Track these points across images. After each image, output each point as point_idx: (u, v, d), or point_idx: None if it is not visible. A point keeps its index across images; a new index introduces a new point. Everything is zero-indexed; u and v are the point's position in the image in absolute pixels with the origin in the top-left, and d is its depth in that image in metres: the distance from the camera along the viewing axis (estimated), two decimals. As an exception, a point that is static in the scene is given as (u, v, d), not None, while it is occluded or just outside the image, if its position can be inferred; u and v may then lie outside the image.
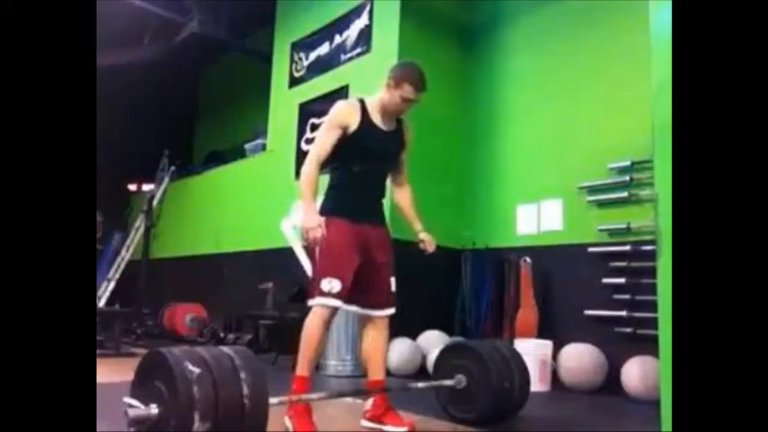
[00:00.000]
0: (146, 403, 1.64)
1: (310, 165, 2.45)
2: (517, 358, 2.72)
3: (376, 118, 2.52)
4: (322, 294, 2.37)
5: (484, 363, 2.56)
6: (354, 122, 2.46)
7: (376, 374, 2.56)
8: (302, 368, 2.39)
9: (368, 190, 2.57)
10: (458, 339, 2.83)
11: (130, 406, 1.65)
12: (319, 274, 2.41)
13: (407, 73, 2.47)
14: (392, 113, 2.55)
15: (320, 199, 2.53)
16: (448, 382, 2.64)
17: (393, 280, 2.58)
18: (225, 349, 1.80)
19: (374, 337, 2.55)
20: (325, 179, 2.52)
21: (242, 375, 1.69)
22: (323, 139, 2.47)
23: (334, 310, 2.41)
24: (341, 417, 2.76)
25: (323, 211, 2.48)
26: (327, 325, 2.41)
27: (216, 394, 1.60)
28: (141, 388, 1.72)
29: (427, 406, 2.77)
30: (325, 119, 2.52)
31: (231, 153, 8.16)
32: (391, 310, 2.56)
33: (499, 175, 5.18)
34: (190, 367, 1.61)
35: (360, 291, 2.46)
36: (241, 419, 1.64)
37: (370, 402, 2.53)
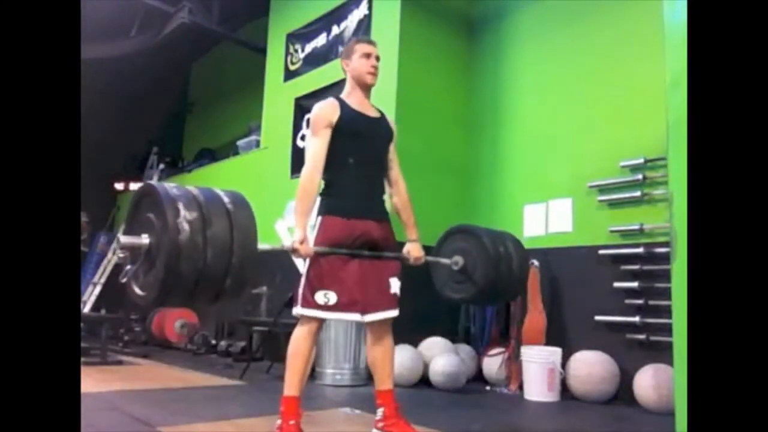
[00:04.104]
0: (137, 233, 1.83)
1: (309, 177, 2.43)
2: (515, 239, 2.86)
3: (356, 104, 2.59)
4: (317, 306, 2.35)
5: (478, 238, 2.65)
6: (337, 114, 2.51)
7: (382, 384, 2.55)
8: (291, 387, 2.38)
9: (366, 183, 2.58)
10: (456, 225, 2.95)
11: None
12: (314, 285, 2.38)
13: (351, 41, 2.68)
14: (364, 83, 2.60)
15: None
16: (445, 261, 2.70)
17: (396, 281, 2.54)
18: None
19: (377, 343, 2.54)
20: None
21: (220, 191, 1.91)
22: (316, 146, 2.48)
23: (322, 322, 2.43)
24: (347, 428, 2.77)
25: (320, 212, 2.48)
26: (315, 338, 2.41)
27: (196, 196, 1.80)
28: (132, 223, 1.92)
29: (437, 419, 2.78)
30: (310, 127, 2.55)
31: (223, 150, 8.16)
32: (392, 313, 2.51)
33: (505, 173, 5.18)
34: (170, 185, 1.84)
35: (359, 295, 2.43)
36: (228, 215, 1.80)
37: (380, 412, 2.53)
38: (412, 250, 2.63)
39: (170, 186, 1.84)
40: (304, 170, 2.45)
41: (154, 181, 1.85)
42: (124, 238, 1.79)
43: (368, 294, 2.45)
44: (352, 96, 2.61)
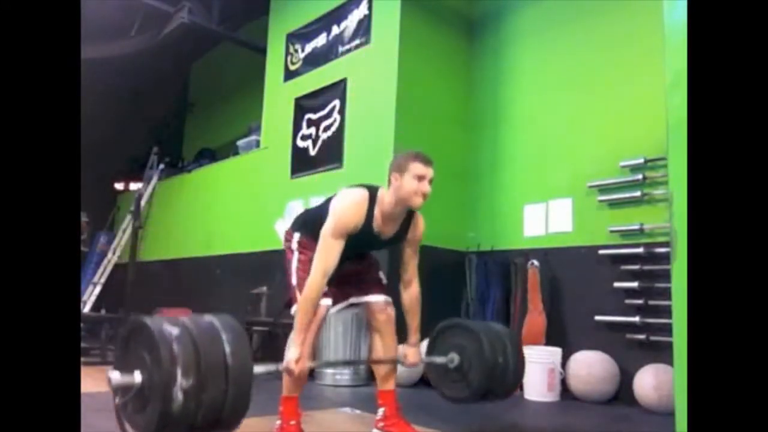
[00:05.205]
0: (129, 368, 1.70)
1: (315, 283, 2.29)
2: (512, 336, 2.77)
3: (378, 223, 2.42)
4: None
5: (476, 338, 2.58)
6: (359, 226, 2.37)
7: (384, 384, 2.58)
8: (289, 387, 2.39)
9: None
10: (453, 319, 2.92)
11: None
12: (303, 284, 2.38)
13: (408, 155, 2.41)
14: (409, 206, 2.42)
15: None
16: (440, 359, 2.65)
17: (382, 273, 2.65)
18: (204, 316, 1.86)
19: (380, 344, 2.59)
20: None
21: (223, 335, 1.75)
22: (331, 252, 2.31)
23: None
24: (348, 428, 2.76)
25: (300, 229, 2.52)
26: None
27: (196, 351, 1.66)
28: (124, 354, 1.80)
29: (437, 419, 2.77)
30: (329, 222, 2.35)
31: (223, 150, 8.16)
32: (386, 297, 2.61)
33: (505, 173, 5.18)
34: (169, 327, 1.68)
35: (348, 289, 2.54)
36: (225, 373, 1.69)
37: (380, 412, 2.55)
38: (409, 355, 2.60)
39: (167, 330, 1.67)
40: (312, 276, 2.30)
41: (147, 318, 1.73)
42: (115, 378, 1.69)
43: (358, 285, 2.59)
44: (386, 206, 2.41)
